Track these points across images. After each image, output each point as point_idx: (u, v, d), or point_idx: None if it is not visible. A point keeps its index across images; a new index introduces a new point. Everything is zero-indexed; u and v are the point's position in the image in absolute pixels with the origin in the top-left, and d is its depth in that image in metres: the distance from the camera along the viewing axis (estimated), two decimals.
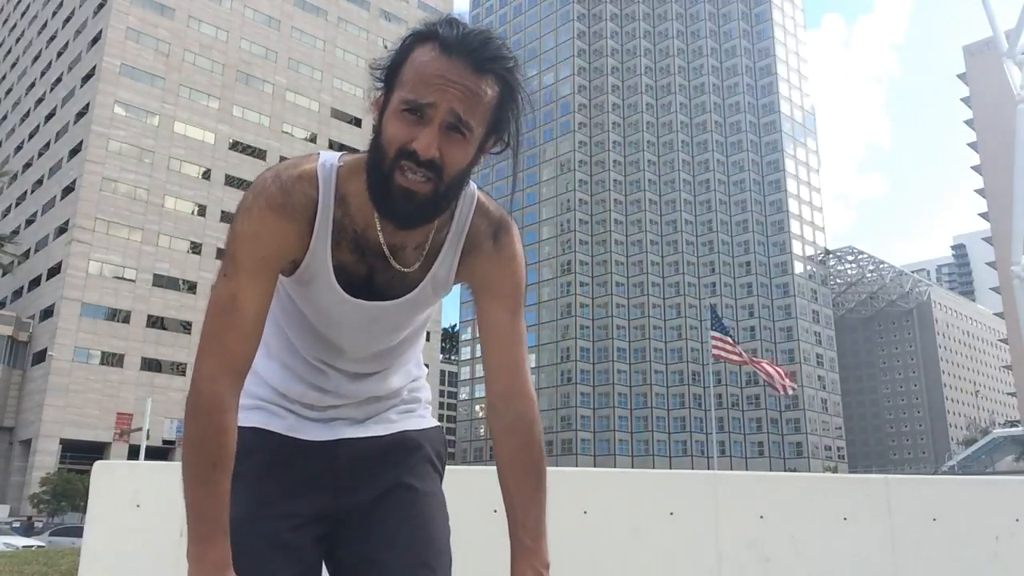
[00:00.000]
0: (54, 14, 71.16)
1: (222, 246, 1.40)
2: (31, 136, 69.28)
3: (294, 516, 1.35)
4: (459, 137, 1.19)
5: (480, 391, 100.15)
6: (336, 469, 1.41)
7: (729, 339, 23.18)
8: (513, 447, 1.37)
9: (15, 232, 64.14)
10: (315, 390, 1.44)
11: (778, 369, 22.56)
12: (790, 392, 22.29)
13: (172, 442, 53.57)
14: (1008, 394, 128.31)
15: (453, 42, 1.20)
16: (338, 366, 1.44)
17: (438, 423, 1.59)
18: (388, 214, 1.25)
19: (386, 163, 1.20)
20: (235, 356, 1.24)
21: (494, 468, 1.45)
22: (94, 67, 60.20)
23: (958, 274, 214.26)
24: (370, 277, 1.34)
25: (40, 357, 55.30)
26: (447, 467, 1.59)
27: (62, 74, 66.04)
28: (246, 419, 1.41)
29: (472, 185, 1.37)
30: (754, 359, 23.21)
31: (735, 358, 22.72)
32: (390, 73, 1.27)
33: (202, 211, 61.53)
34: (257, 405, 1.44)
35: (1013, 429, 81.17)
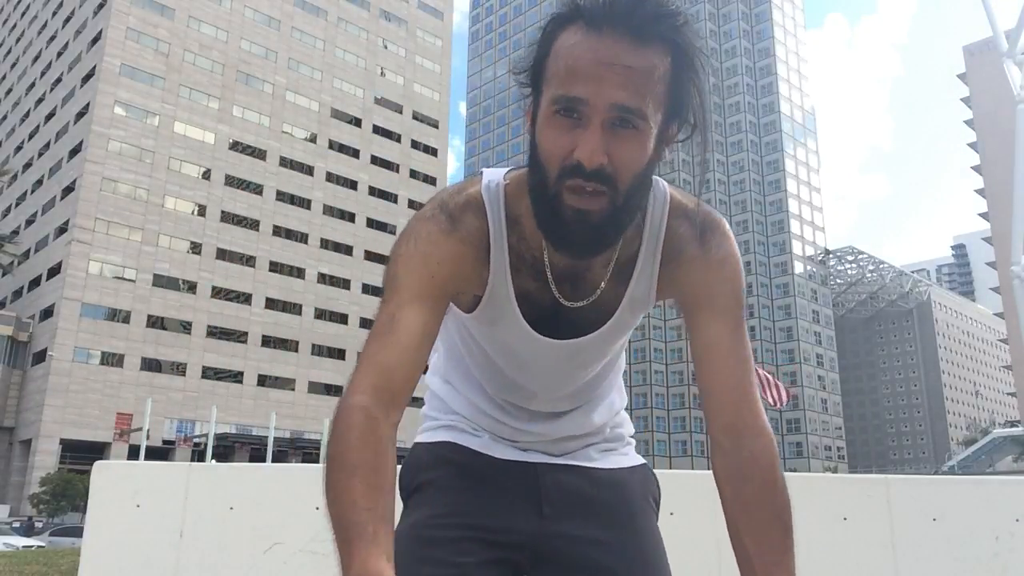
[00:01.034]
0: (54, 14, 71.19)
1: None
2: (31, 136, 69.31)
3: (487, 531, 1.17)
4: (630, 132, 0.98)
5: None
6: (541, 494, 1.23)
7: None
8: (749, 495, 1.11)
9: (15, 232, 64.21)
10: (506, 428, 1.29)
11: (777, 382, 22.28)
12: (779, 405, 22.10)
13: (172, 442, 53.66)
14: (1008, 394, 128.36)
15: (600, 13, 0.97)
16: (530, 407, 1.28)
17: (644, 461, 1.39)
18: (563, 244, 1.04)
19: (550, 184, 1.00)
20: (391, 374, 1.06)
21: None
22: (94, 67, 60.23)
23: (958, 274, 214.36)
24: (556, 310, 1.16)
25: (40, 357, 55.33)
26: None
27: (62, 74, 66.07)
28: (432, 436, 1.30)
29: (661, 183, 1.18)
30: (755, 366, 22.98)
31: None
32: (535, 72, 1.04)
33: (202, 211, 61.55)
34: (444, 425, 1.31)
35: (1013, 429, 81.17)
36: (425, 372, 1.23)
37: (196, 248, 60.59)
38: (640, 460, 1.37)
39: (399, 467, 1.24)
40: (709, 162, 1.13)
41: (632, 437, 1.42)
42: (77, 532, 24.82)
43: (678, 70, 1.00)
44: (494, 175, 1.17)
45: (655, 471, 1.40)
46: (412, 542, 1.14)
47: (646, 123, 0.98)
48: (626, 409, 1.43)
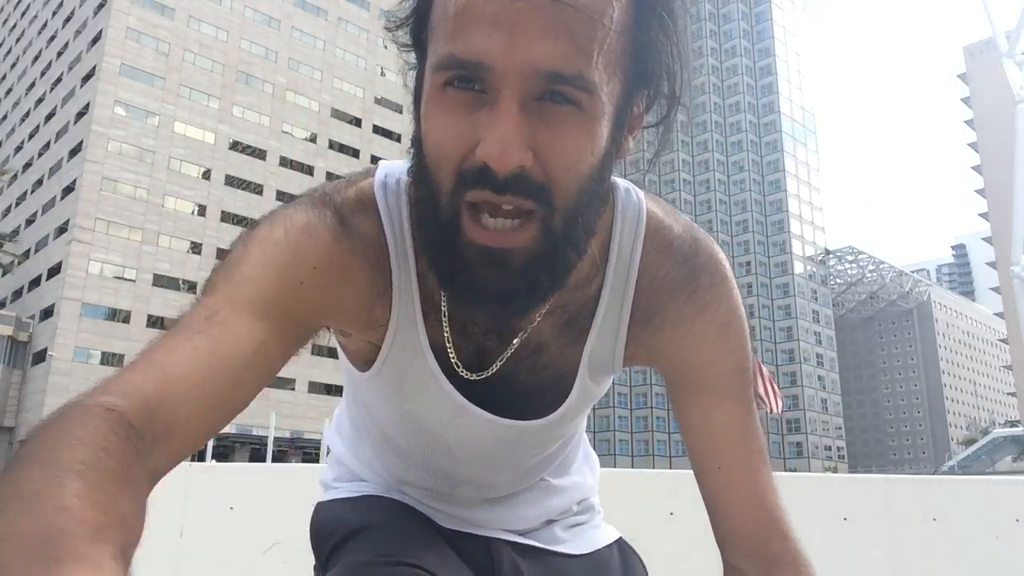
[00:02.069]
0: (54, 14, 71.20)
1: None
2: (31, 136, 69.33)
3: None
4: (569, 111, 0.62)
5: None
6: (498, 572, 0.91)
7: None
8: None
9: (15, 232, 64.23)
10: (439, 513, 0.97)
11: (774, 388, 22.16)
12: (774, 412, 22.04)
13: None
14: (1008, 394, 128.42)
15: None
16: (453, 494, 0.95)
17: (619, 534, 1.09)
18: (465, 300, 0.69)
19: (441, 201, 0.64)
20: (169, 381, 0.63)
21: None
22: (94, 67, 60.24)
23: (958, 274, 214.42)
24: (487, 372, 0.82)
25: (40, 357, 55.35)
26: None
27: (62, 74, 66.09)
28: (348, 492, 0.98)
29: (633, 192, 0.82)
30: (756, 370, 22.82)
31: None
32: (418, 24, 0.68)
33: (202, 211, 61.58)
34: (362, 486, 0.99)
35: (1013, 429, 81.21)
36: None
37: (196, 248, 60.61)
38: (615, 535, 1.08)
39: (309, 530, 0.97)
40: (672, 142, 0.75)
41: (599, 508, 1.11)
42: None
43: (642, 11, 0.65)
44: (393, 169, 0.80)
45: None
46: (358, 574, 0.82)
47: (593, 97, 0.62)
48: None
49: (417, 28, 0.67)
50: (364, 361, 0.83)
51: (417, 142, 0.66)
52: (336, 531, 0.92)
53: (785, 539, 0.85)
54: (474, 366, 0.81)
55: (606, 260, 0.79)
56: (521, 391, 0.83)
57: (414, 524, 0.92)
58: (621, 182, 0.81)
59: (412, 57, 0.69)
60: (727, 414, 0.84)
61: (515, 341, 0.79)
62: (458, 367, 0.78)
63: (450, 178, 0.63)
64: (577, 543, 1.01)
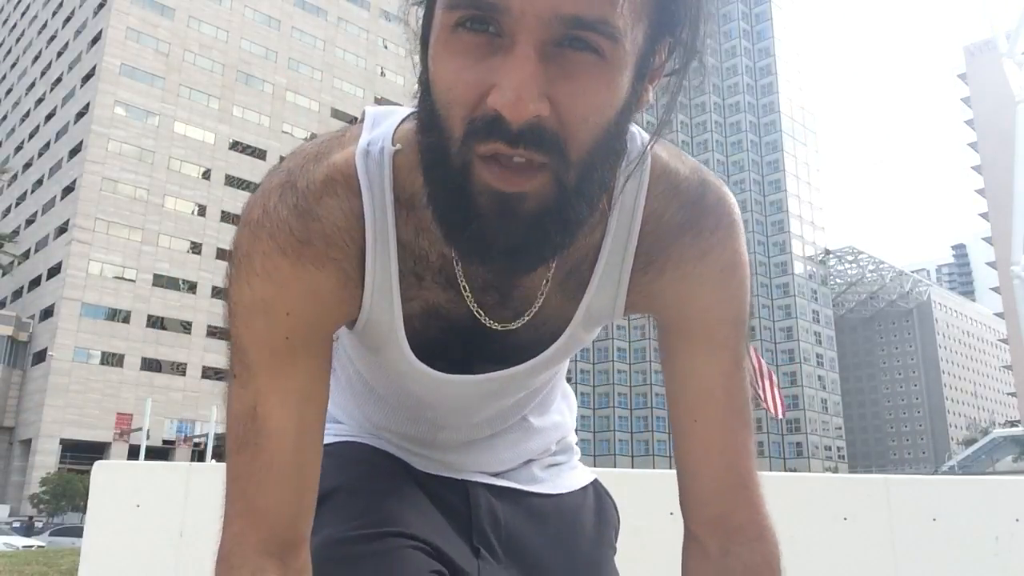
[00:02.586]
0: (54, 14, 71.20)
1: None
2: (31, 136, 69.33)
3: (422, 544, 0.84)
4: (589, 59, 0.58)
5: None
6: (474, 523, 0.91)
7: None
8: None
9: (15, 232, 64.22)
10: (419, 455, 0.97)
11: (775, 392, 22.00)
12: (774, 414, 21.92)
13: (172, 442, 53.61)
14: (1008, 394, 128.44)
15: None
16: (436, 438, 0.95)
17: (595, 475, 1.09)
18: (474, 252, 0.66)
19: (451, 150, 0.61)
20: (273, 520, 0.74)
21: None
22: (94, 67, 60.24)
23: (958, 274, 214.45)
24: (476, 329, 0.80)
25: (40, 357, 55.34)
26: None
27: (62, 74, 66.09)
28: (335, 437, 0.97)
29: (639, 137, 0.75)
30: (757, 370, 22.57)
31: None
32: None
33: (202, 211, 61.59)
34: (339, 433, 0.98)
35: (1013, 429, 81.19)
36: None
37: (196, 248, 60.61)
38: (591, 476, 1.07)
39: None
40: (685, 93, 0.69)
41: (577, 445, 1.11)
42: (77, 532, 24.81)
43: None
44: (380, 130, 0.77)
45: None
46: (331, 567, 0.80)
47: (617, 44, 0.58)
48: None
49: None
50: (347, 321, 0.81)
51: (425, 85, 0.64)
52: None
53: (752, 510, 0.81)
54: (498, 319, 0.80)
55: (610, 207, 0.76)
56: (516, 344, 0.81)
57: (388, 476, 0.91)
58: (634, 130, 0.75)
59: None
60: (715, 365, 0.82)
61: (534, 307, 0.78)
62: (482, 317, 0.78)
63: (460, 126, 0.60)
64: (555, 483, 1.01)
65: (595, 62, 0.58)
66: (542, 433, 1.02)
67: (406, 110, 0.78)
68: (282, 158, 0.79)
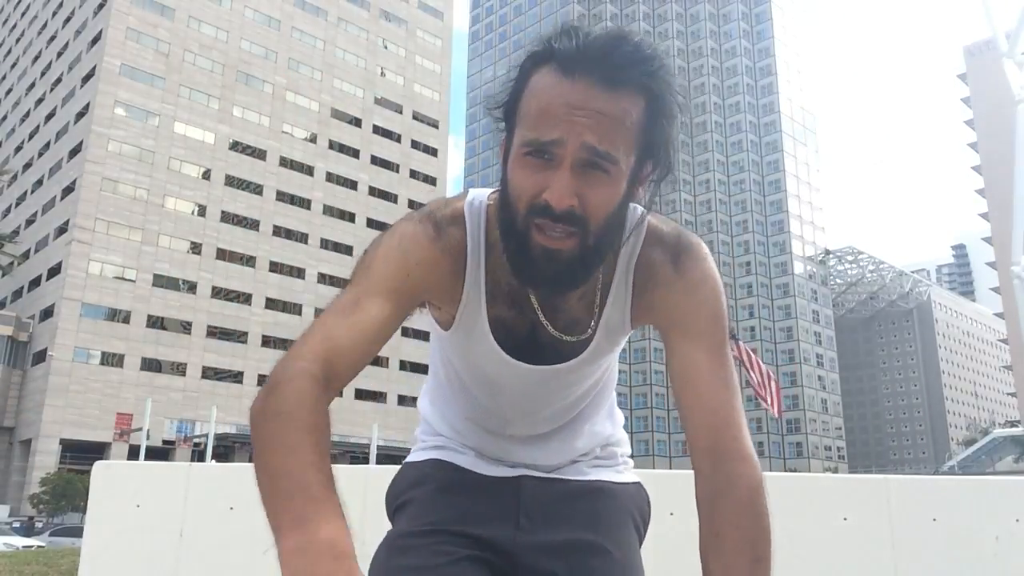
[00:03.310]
0: (54, 14, 71.19)
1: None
2: (31, 136, 69.31)
3: (465, 536, 1.15)
4: (601, 175, 0.98)
5: None
6: (520, 505, 1.21)
7: (734, 342, 22.72)
8: (722, 518, 1.05)
9: (15, 232, 64.19)
10: (491, 448, 1.29)
11: (775, 392, 21.87)
12: (773, 412, 21.81)
13: (172, 442, 53.60)
14: (1008, 394, 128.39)
15: (573, 57, 0.97)
16: (507, 433, 1.28)
17: (639, 480, 1.35)
18: (530, 281, 1.06)
19: (519, 221, 1.01)
20: (340, 353, 1.02)
21: None
22: (94, 67, 60.22)
23: (958, 274, 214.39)
24: (533, 336, 1.16)
25: (40, 357, 55.32)
26: None
27: (62, 74, 66.07)
28: (419, 456, 1.31)
29: (638, 209, 1.15)
30: (757, 370, 22.36)
31: (738, 359, 22.32)
32: (509, 109, 1.04)
33: (202, 211, 61.55)
34: (432, 445, 1.32)
35: (1013, 429, 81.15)
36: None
37: (196, 248, 60.58)
38: (634, 479, 1.34)
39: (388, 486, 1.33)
40: (663, 191, 1.10)
41: (630, 458, 1.39)
42: (77, 532, 24.80)
43: (651, 113, 1.00)
44: (479, 194, 1.17)
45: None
46: (388, 553, 1.14)
47: (616, 166, 0.98)
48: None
49: (508, 111, 1.04)
50: (446, 325, 1.19)
51: (504, 183, 1.04)
52: (398, 497, 1.27)
53: (735, 442, 1.09)
54: (527, 336, 1.17)
55: (618, 253, 1.14)
56: (560, 348, 1.17)
57: (450, 487, 1.23)
58: (635, 205, 1.13)
59: (502, 125, 1.06)
60: (702, 352, 1.12)
61: (590, 328, 1.17)
62: (549, 327, 1.15)
63: (525, 208, 0.99)
64: (599, 475, 1.29)
65: (604, 177, 0.98)
66: (588, 437, 1.31)
67: (493, 188, 1.17)
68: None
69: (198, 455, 49.76)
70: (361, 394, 63.66)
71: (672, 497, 3.82)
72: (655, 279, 1.15)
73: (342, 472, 1.65)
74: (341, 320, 1.03)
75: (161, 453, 50.85)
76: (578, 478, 1.27)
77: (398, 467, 1.37)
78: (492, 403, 1.24)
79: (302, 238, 65.83)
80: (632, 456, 1.41)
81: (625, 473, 1.34)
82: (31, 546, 21.79)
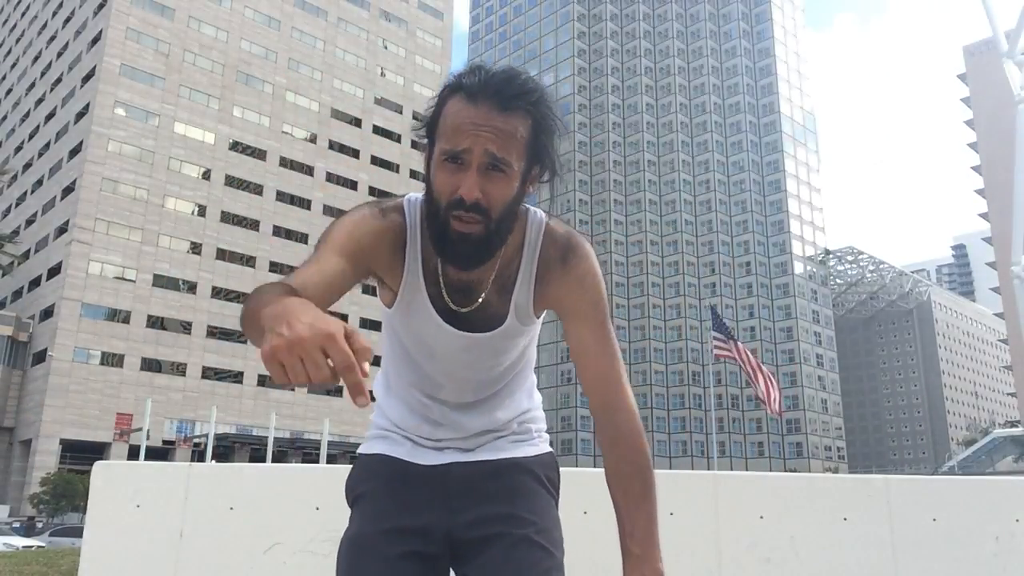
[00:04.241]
0: (54, 14, 71.17)
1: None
2: (31, 136, 69.28)
3: (406, 531, 1.40)
4: (499, 175, 1.27)
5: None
6: (448, 490, 1.45)
7: (732, 343, 22.70)
8: (616, 458, 1.41)
9: (15, 232, 64.16)
10: (427, 423, 1.52)
11: (776, 391, 21.84)
12: (771, 411, 21.80)
13: (172, 442, 53.62)
14: (1008, 394, 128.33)
15: (476, 89, 1.27)
16: (440, 397, 1.51)
17: (551, 449, 1.61)
18: (450, 258, 1.33)
19: (440, 213, 1.28)
20: (303, 285, 1.22)
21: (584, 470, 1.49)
22: (94, 67, 60.21)
23: (958, 274, 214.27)
24: (451, 311, 1.41)
25: (40, 357, 55.30)
26: None
27: (62, 74, 66.05)
28: (371, 447, 1.55)
29: (540, 214, 1.45)
30: (756, 369, 22.34)
31: (738, 360, 22.32)
32: (430, 127, 1.34)
33: (202, 211, 61.53)
34: (380, 435, 1.55)
35: (1013, 429, 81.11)
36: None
37: (196, 248, 60.57)
38: (546, 449, 1.59)
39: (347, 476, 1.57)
40: (555, 197, 1.40)
41: (545, 432, 1.63)
42: (77, 532, 24.80)
43: (536, 131, 1.30)
44: (414, 195, 1.45)
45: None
46: (354, 544, 1.39)
47: (511, 168, 1.27)
48: (544, 409, 1.67)
49: (430, 129, 1.33)
50: (390, 302, 1.44)
51: (428, 184, 1.32)
52: (354, 489, 1.51)
53: (620, 397, 1.43)
54: (460, 305, 1.43)
55: (522, 248, 1.42)
56: (479, 321, 1.42)
57: (393, 481, 1.47)
58: (533, 208, 1.45)
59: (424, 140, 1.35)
60: (587, 329, 1.43)
61: (479, 299, 1.42)
62: (450, 303, 1.41)
63: (445, 203, 1.28)
64: (515, 451, 1.53)
65: (501, 176, 1.27)
66: (508, 409, 1.55)
67: (421, 192, 1.43)
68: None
69: (198, 455, 49.77)
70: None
71: (672, 497, 3.82)
72: (549, 273, 1.42)
73: (343, 472, 1.69)
74: (303, 269, 1.27)
75: (161, 453, 50.85)
76: (497, 457, 1.50)
77: None
78: (430, 367, 1.48)
79: (302, 238, 65.82)
80: (592, 456, 1.58)
81: (539, 444, 1.57)
82: (31, 546, 21.77)
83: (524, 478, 1.49)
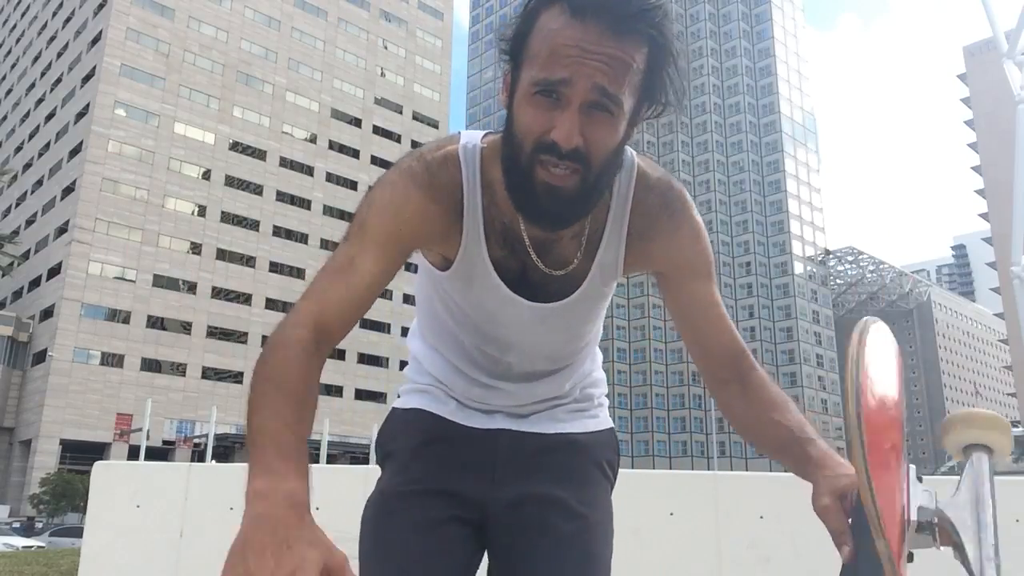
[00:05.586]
0: (54, 14, 71.18)
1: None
2: (31, 136, 69.30)
3: (443, 494, 1.24)
4: (605, 116, 1.02)
5: None
6: (496, 459, 1.28)
7: None
8: (768, 396, 1.17)
9: (15, 232, 64.15)
10: (479, 387, 1.33)
11: None
12: None
13: (172, 442, 53.61)
14: (1008, 394, 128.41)
15: (584, 2, 0.99)
16: (504, 362, 1.31)
17: (612, 425, 1.44)
18: (533, 216, 1.10)
19: (523, 158, 1.04)
20: (333, 315, 1.06)
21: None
22: (94, 67, 60.22)
23: (958, 274, 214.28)
24: (524, 275, 1.20)
25: (40, 357, 55.30)
26: None
27: (62, 74, 66.06)
28: (408, 402, 1.38)
29: (629, 152, 1.20)
30: None
31: None
32: (516, 45, 1.06)
33: (202, 211, 61.54)
34: (420, 388, 1.38)
35: (1013, 430, 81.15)
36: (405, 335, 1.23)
37: (196, 248, 60.56)
38: (607, 424, 1.42)
39: (378, 429, 1.42)
40: (673, 138, 1.12)
41: (605, 396, 1.46)
42: (77, 532, 24.80)
43: (654, 61, 1.04)
44: (472, 137, 1.20)
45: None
46: (381, 504, 1.25)
47: (620, 109, 1.02)
48: (625, 418, 1.40)
49: (515, 49, 1.06)
50: (443, 266, 1.22)
51: (510, 120, 1.07)
52: (386, 444, 1.35)
53: (750, 361, 1.21)
54: (537, 271, 1.21)
55: (610, 197, 1.18)
56: (555, 286, 1.21)
57: (433, 440, 1.30)
58: (625, 148, 1.16)
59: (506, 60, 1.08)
60: (706, 287, 1.23)
61: (571, 266, 1.20)
62: (539, 263, 1.19)
63: (531, 145, 1.02)
64: (572, 424, 1.36)
65: (608, 118, 1.02)
66: (573, 379, 1.37)
67: (484, 131, 1.22)
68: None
69: (198, 455, 49.73)
70: (361, 394, 63.75)
71: (673, 497, 3.82)
72: (650, 228, 1.20)
73: (342, 472, 1.67)
74: (336, 280, 1.08)
75: (161, 453, 50.84)
76: (552, 431, 1.33)
77: None
78: (494, 332, 1.27)
79: (302, 238, 65.84)
80: (632, 456, 1.45)
81: (600, 418, 1.41)
82: (31, 546, 21.78)
83: (580, 460, 1.32)
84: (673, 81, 1.07)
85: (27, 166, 67.88)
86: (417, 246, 1.18)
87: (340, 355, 63.09)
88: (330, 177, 69.15)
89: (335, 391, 62.31)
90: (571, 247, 1.19)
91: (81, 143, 58.64)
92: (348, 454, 54.06)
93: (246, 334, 61.28)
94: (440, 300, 1.30)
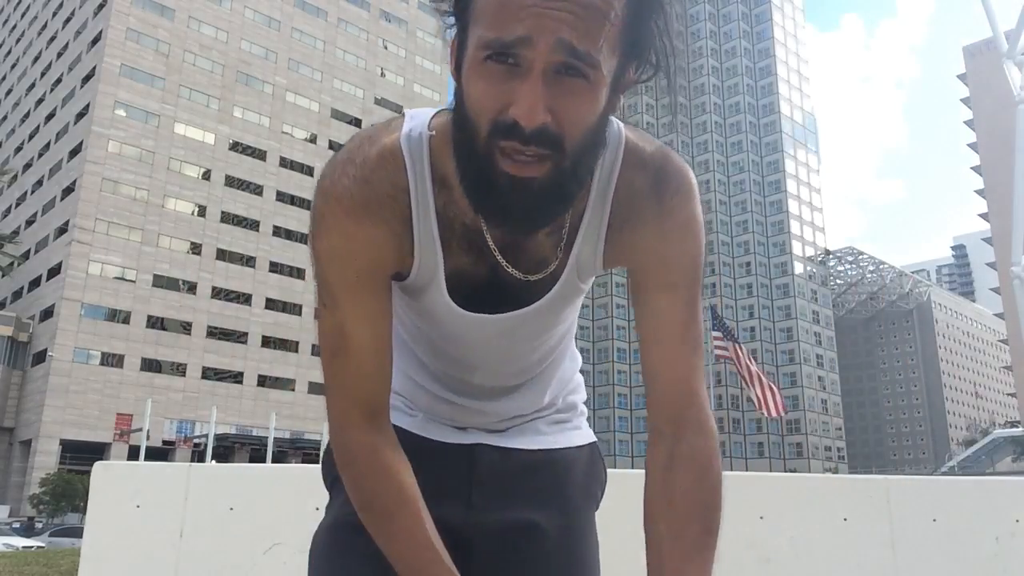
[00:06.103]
0: (54, 15, 71.19)
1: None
2: (31, 136, 69.32)
3: None
4: (579, 82, 0.79)
5: None
6: (473, 477, 1.09)
7: (732, 344, 22.59)
8: (678, 486, 0.97)
9: (15, 232, 64.16)
10: (445, 404, 1.14)
11: (773, 390, 21.69)
12: (774, 415, 21.64)
13: (172, 443, 53.65)
14: (1008, 394, 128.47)
15: None
16: (472, 381, 1.12)
17: (594, 438, 1.25)
18: (496, 218, 0.89)
19: (479, 145, 0.82)
20: (363, 398, 0.97)
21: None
22: (94, 68, 60.23)
23: (958, 274, 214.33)
24: (494, 280, 0.99)
25: (40, 357, 55.31)
26: None
27: (62, 75, 66.07)
28: None
29: (615, 124, 0.96)
30: (753, 376, 22.15)
31: (735, 362, 22.23)
32: (460, 4, 0.84)
33: (202, 212, 61.55)
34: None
35: (1013, 429, 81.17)
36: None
37: (196, 248, 60.57)
38: (590, 437, 1.23)
39: (323, 453, 1.21)
40: (678, 106, 0.90)
41: (585, 405, 1.29)
42: (77, 532, 24.81)
43: (637, 6, 0.82)
44: (418, 119, 0.97)
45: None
46: (332, 537, 1.07)
47: (598, 71, 0.79)
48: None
49: (460, 6, 0.83)
50: (397, 278, 1.02)
51: (459, 97, 0.84)
52: (330, 472, 1.13)
53: (699, 411, 1.00)
54: (487, 283, 1.02)
55: (592, 181, 0.94)
56: (522, 292, 1.00)
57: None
58: (611, 119, 0.94)
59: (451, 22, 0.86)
60: (677, 301, 0.99)
61: (549, 269, 1.00)
62: (511, 269, 0.97)
63: (487, 127, 0.80)
64: (555, 439, 1.17)
65: (583, 85, 0.79)
66: (552, 387, 1.19)
67: (436, 108, 0.98)
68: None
69: (198, 455, 49.77)
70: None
71: None
72: (635, 213, 0.97)
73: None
74: (346, 366, 0.97)
75: (161, 453, 50.86)
76: (535, 447, 1.14)
77: None
78: (457, 352, 1.08)
79: (302, 238, 65.80)
80: (632, 456, 1.35)
81: (583, 429, 1.23)
82: (31, 546, 21.78)
83: (566, 478, 1.14)
84: (665, 33, 0.85)
85: (27, 166, 67.88)
86: (385, 273, 0.98)
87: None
88: None
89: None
90: (548, 244, 0.98)
91: (81, 143, 58.66)
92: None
93: (246, 334, 61.28)
94: (398, 315, 1.11)
